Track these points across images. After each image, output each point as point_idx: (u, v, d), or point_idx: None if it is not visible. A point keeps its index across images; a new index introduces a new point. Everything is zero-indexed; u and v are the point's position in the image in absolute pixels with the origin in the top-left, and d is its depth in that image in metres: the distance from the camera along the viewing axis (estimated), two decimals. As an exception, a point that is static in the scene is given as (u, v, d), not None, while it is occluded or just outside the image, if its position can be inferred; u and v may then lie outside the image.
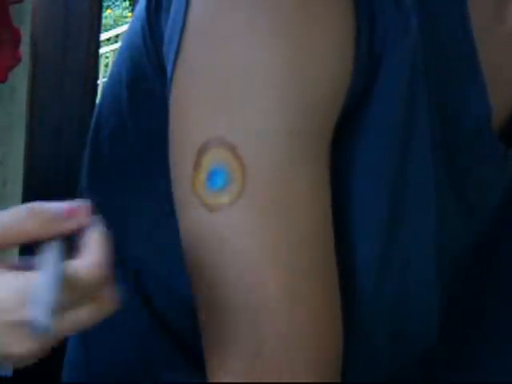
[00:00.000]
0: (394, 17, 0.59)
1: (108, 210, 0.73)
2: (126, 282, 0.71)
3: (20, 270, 0.50)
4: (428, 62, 0.62)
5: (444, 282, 0.69)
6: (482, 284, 0.74)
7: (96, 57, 1.27)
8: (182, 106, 0.60)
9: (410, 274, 0.66)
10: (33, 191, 1.28)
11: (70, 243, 0.52)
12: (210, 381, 0.58)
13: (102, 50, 5.58)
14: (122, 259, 0.71)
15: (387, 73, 0.60)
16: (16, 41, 0.68)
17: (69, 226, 0.52)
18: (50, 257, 0.49)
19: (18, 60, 0.69)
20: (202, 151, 0.57)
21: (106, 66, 6.15)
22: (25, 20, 1.34)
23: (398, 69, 0.60)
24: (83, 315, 0.50)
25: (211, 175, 0.57)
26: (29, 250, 0.52)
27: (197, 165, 0.57)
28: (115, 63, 0.73)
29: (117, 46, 5.65)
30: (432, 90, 0.62)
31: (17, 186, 1.29)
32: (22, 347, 0.50)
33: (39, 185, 1.29)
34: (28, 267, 0.50)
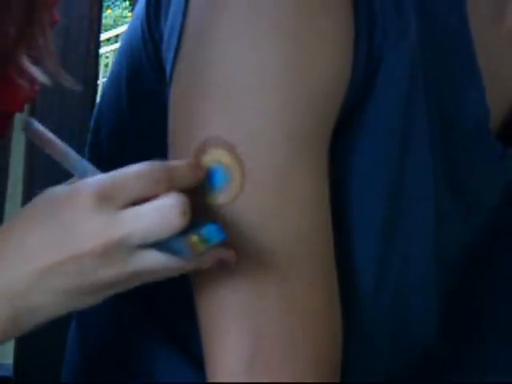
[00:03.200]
0: (393, 19, 0.59)
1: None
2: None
3: None
4: (426, 63, 0.62)
5: (443, 282, 0.69)
6: (481, 283, 0.74)
7: (96, 57, 1.27)
8: (181, 105, 0.60)
9: (409, 274, 0.66)
10: (33, 191, 1.28)
11: None
12: (210, 380, 0.58)
13: (102, 50, 5.58)
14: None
15: (385, 76, 0.60)
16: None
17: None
18: None
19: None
20: (200, 151, 0.57)
21: (106, 66, 6.16)
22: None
23: (397, 71, 0.60)
24: None
25: (210, 175, 0.57)
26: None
27: None
28: (115, 62, 0.73)
29: (117, 45, 5.65)
30: (430, 91, 0.62)
31: (17, 186, 1.29)
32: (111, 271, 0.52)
33: (39, 185, 1.29)
34: None
